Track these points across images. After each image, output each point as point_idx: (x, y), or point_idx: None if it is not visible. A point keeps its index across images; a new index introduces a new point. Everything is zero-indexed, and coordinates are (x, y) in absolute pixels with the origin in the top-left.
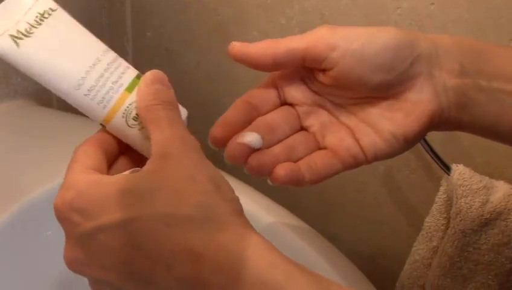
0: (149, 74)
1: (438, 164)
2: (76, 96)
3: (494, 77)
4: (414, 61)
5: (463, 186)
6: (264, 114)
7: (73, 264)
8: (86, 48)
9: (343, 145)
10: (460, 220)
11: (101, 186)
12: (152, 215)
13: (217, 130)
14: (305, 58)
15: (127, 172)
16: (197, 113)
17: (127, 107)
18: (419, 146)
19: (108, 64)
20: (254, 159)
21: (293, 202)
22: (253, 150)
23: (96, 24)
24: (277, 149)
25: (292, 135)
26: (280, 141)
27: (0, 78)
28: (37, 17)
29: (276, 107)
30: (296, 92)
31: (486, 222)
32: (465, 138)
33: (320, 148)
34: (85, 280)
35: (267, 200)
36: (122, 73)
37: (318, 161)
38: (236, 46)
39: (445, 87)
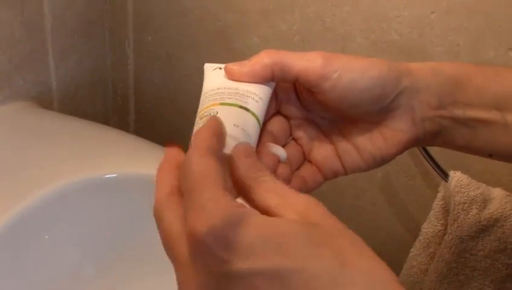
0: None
1: (436, 170)
2: None
3: (468, 107)
4: (397, 96)
5: (460, 193)
6: (264, 122)
7: None
8: None
9: (327, 163)
10: (458, 227)
11: (258, 224)
12: (319, 270)
13: None
14: (298, 80)
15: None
16: (195, 116)
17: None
18: (417, 153)
19: None
20: (282, 172)
21: None
22: (279, 163)
23: (97, 28)
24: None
25: (285, 145)
26: None
27: (2, 80)
28: None
29: (272, 115)
30: (290, 107)
31: (483, 229)
32: None
33: (305, 159)
34: (80, 284)
35: None
36: None
37: (307, 176)
38: (235, 70)
39: (423, 118)
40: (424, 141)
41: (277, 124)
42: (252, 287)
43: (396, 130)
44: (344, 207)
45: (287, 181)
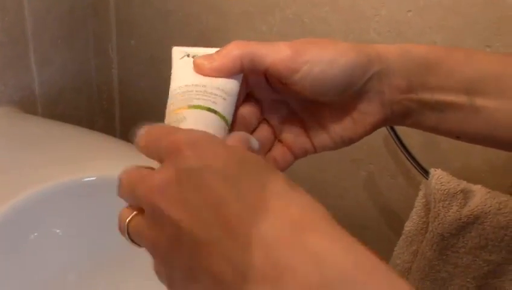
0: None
1: (416, 168)
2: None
3: (436, 90)
4: (367, 81)
5: (441, 191)
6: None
7: (159, 192)
8: None
9: (297, 143)
10: (439, 224)
11: (215, 141)
12: (251, 179)
13: None
14: (268, 72)
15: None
16: None
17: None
18: (399, 152)
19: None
20: None
21: None
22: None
23: (81, 32)
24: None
25: (257, 127)
26: (250, 133)
27: None
28: None
29: (244, 98)
30: (260, 91)
31: (464, 226)
32: (444, 143)
33: (276, 139)
34: (61, 287)
35: None
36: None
37: (277, 156)
38: (205, 65)
39: (392, 101)
40: (392, 121)
41: (248, 107)
42: (199, 180)
43: (365, 113)
44: (328, 207)
45: None
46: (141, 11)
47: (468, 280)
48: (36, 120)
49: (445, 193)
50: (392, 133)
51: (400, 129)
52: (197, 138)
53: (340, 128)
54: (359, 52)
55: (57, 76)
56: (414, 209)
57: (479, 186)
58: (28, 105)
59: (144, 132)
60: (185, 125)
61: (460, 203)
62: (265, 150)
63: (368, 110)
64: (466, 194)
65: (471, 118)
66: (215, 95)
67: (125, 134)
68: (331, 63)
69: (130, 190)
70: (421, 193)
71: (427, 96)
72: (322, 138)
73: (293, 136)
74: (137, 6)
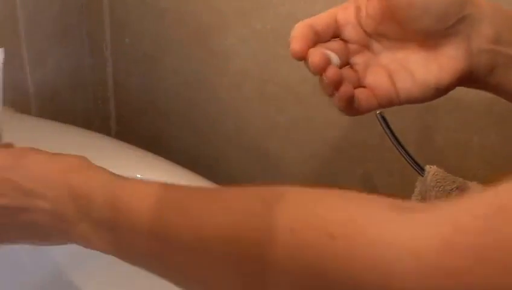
0: None
1: (411, 165)
2: None
3: None
4: (459, 21)
5: (436, 188)
6: (323, 42)
7: None
8: None
9: (381, 88)
10: None
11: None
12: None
13: (296, 44)
14: None
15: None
16: (176, 119)
17: None
18: (395, 149)
19: None
20: (332, 71)
21: None
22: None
23: (75, 31)
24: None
25: (341, 68)
26: None
27: None
28: None
29: (332, 38)
30: (350, 30)
31: None
32: (439, 141)
33: (360, 86)
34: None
35: None
36: None
37: (360, 96)
38: None
39: (479, 50)
40: (478, 77)
41: (336, 46)
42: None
43: (451, 57)
44: None
45: (336, 81)
46: (135, 9)
47: None
48: (30, 120)
49: (440, 189)
50: (387, 130)
51: (396, 126)
52: None
53: (426, 73)
54: None
55: (51, 75)
56: None
57: (474, 183)
58: (22, 104)
59: None
60: None
61: None
62: None
63: (454, 55)
64: (462, 191)
65: None
66: None
67: (121, 133)
68: None
69: None
70: (416, 190)
71: None
72: (406, 83)
73: (376, 82)
74: (131, 5)
